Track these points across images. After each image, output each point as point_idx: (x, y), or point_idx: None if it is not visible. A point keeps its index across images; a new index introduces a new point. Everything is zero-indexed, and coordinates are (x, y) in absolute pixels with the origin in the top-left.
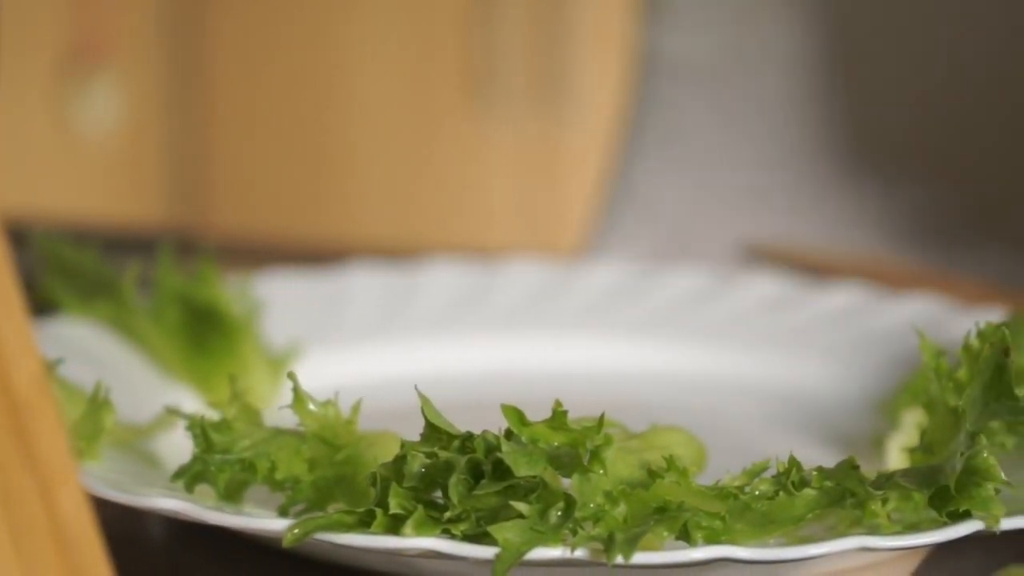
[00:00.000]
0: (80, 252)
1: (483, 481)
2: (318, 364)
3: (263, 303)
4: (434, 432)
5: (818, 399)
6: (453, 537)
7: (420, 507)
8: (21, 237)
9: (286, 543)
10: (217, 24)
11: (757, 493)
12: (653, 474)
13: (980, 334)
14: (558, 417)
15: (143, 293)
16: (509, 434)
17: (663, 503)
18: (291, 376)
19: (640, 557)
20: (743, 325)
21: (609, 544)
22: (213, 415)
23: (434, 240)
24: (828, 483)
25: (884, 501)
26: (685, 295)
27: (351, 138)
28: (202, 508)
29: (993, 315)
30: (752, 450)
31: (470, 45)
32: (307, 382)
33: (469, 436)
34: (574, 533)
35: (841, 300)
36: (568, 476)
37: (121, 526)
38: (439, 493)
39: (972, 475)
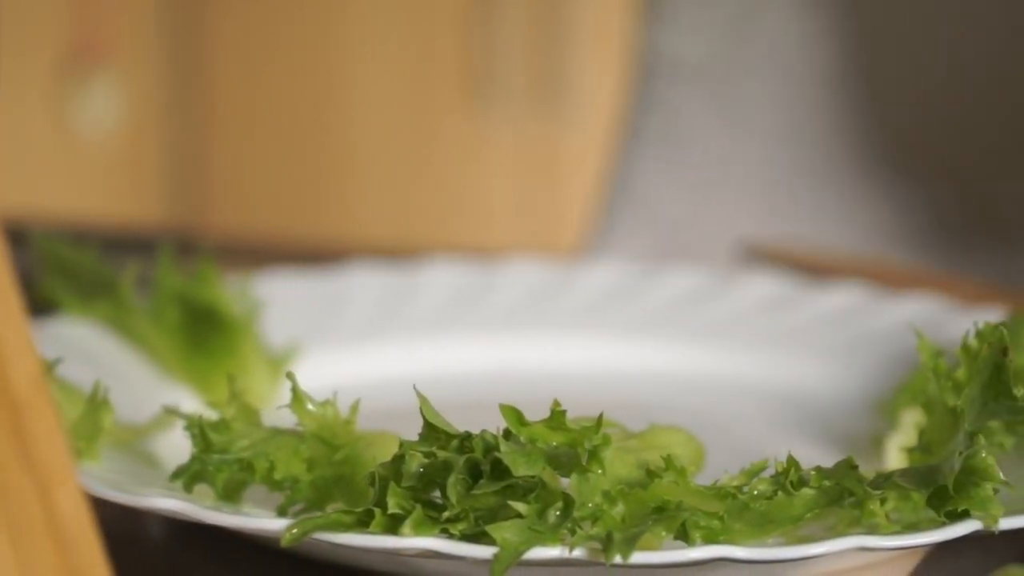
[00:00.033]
0: (79, 252)
1: (481, 481)
2: (317, 364)
3: (262, 303)
4: (432, 432)
5: (817, 399)
6: (451, 537)
7: (418, 507)
8: (20, 237)
9: (284, 543)
10: (217, 24)
11: (755, 493)
12: (651, 474)
13: (979, 334)
14: (556, 417)
15: (142, 293)
16: (507, 434)
17: (661, 503)
18: (290, 376)
19: (638, 557)
20: (742, 325)
21: (607, 544)
22: (211, 415)
23: (434, 240)
24: (827, 483)
25: (883, 501)
26: (684, 295)
27: (351, 138)
28: (201, 508)
29: (992, 315)
30: (751, 450)
31: (470, 45)
32: (306, 382)
33: (467, 436)
34: (572, 533)
35: (840, 300)
36: (566, 476)
37: (120, 526)
38: (437, 493)
39: (970, 475)
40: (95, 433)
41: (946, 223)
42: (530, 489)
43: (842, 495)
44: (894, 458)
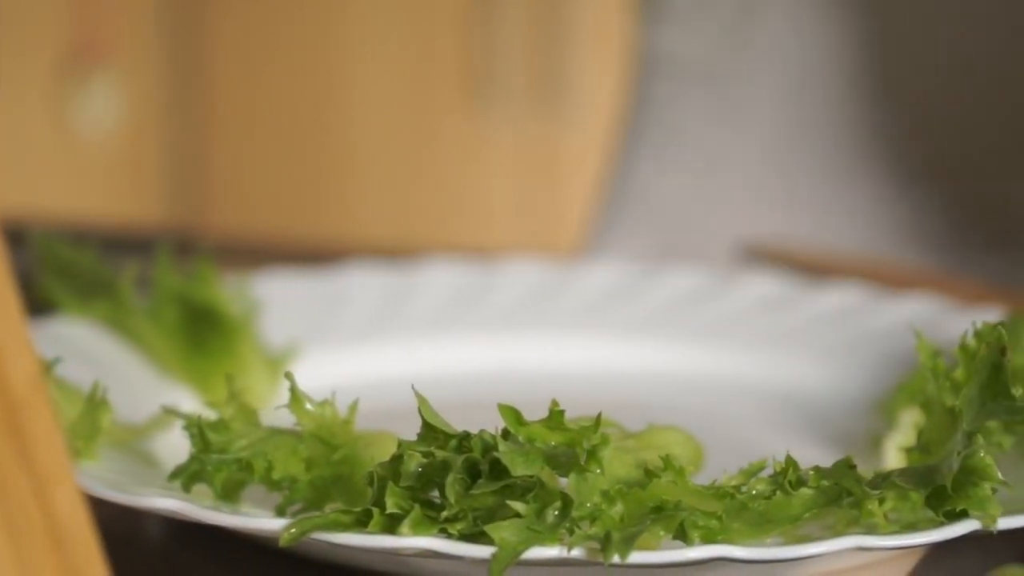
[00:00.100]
0: (78, 252)
1: (480, 481)
2: (316, 364)
3: (261, 303)
4: (431, 432)
5: (816, 399)
6: (450, 536)
7: (417, 506)
8: (19, 237)
9: (283, 543)
10: (217, 24)
11: (754, 492)
12: (650, 473)
13: (977, 334)
14: (555, 417)
15: (141, 293)
16: (506, 434)
17: (660, 502)
18: (288, 376)
19: (636, 556)
20: (741, 325)
21: (606, 543)
22: (210, 415)
23: (434, 240)
24: (825, 482)
25: (881, 501)
26: (683, 295)
27: (351, 138)
28: (199, 508)
29: (991, 315)
30: (750, 449)
31: (470, 45)
32: (305, 382)
33: (466, 436)
34: (571, 532)
35: (839, 300)
36: (565, 476)
37: (118, 525)
38: (436, 493)
39: (969, 475)
40: (94, 433)
41: (946, 223)
42: (528, 489)
43: (840, 495)
44: (893, 458)
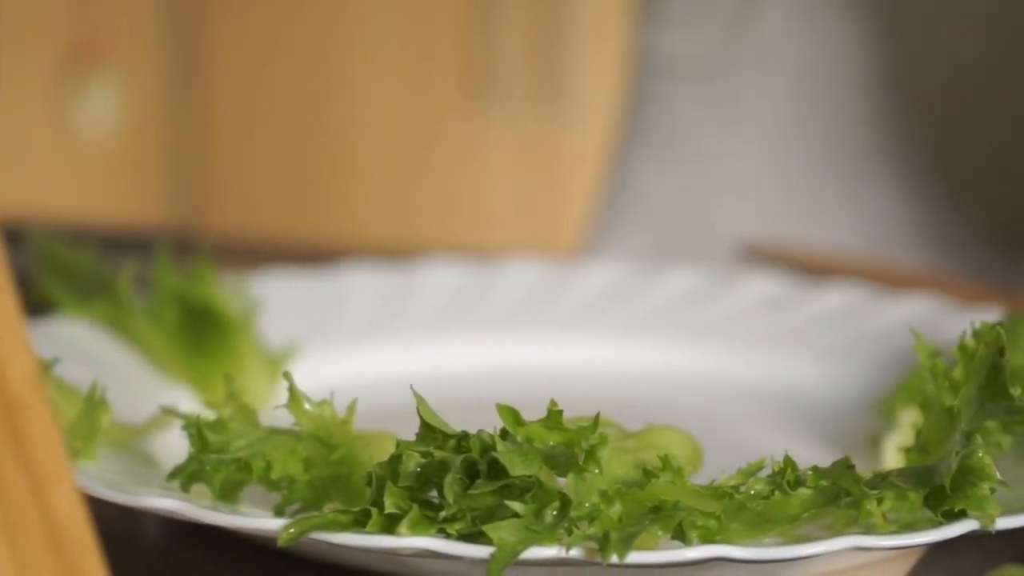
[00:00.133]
0: (77, 252)
1: (478, 481)
2: (315, 364)
3: (260, 303)
4: (430, 432)
5: (815, 399)
6: (448, 536)
7: (415, 506)
8: (18, 236)
9: (281, 543)
10: (217, 24)
11: (752, 492)
12: (648, 473)
13: (976, 334)
14: (553, 417)
15: (140, 293)
16: (504, 434)
17: (658, 502)
18: (287, 376)
19: (635, 556)
20: (741, 325)
21: (604, 543)
22: (209, 415)
23: (434, 240)
24: (823, 482)
25: (879, 501)
26: (683, 295)
27: (351, 138)
28: (198, 508)
29: (990, 315)
30: (749, 449)
31: (470, 45)
32: (304, 382)
33: (465, 436)
34: (569, 532)
35: (838, 300)
36: (563, 475)
37: (117, 525)
38: (435, 493)
39: (967, 474)
40: (93, 433)
41: (947, 223)
42: (527, 489)
43: (839, 495)
44: (891, 458)
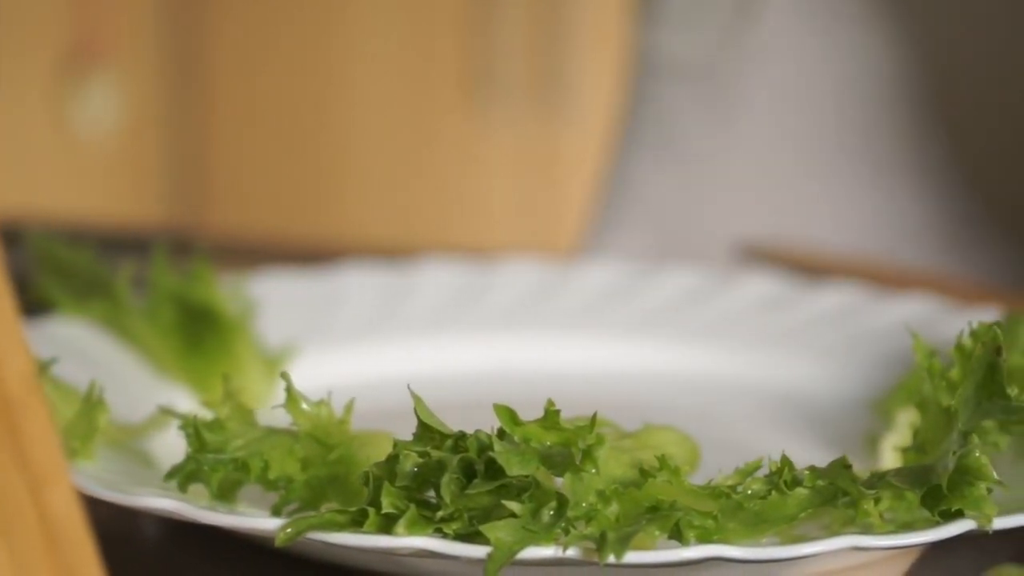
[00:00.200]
0: (75, 251)
1: (476, 480)
2: (314, 364)
3: (258, 303)
4: (427, 431)
5: (814, 398)
6: (445, 536)
7: (412, 506)
8: (16, 236)
9: (279, 542)
10: (216, 24)
11: (750, 492)
12: (645, 473)
13: (973, 334)
14: (550, 416)
15: (138, 293)
16: (502, 433)
17: (655, 502)
18: (284, 376)
19: (632, 556)
20: (739, 325)
21: (601, 543)
22: (206, 415)
23: (433, 240)
24: (820, 482)
25: (877, 500)
26: (681, 295)
27: (350, 138)
28: (195, 507)
29: (988, 315)
30: (747, 449)
31: (470, 45)
32: (302, 382)
33: (462, 435)
34: (566, 532)
35: (836, 300)
36: (560, 475)
37: (115, 525)
38: (432, 492)
39: (964, 474)
40: (90, 432)
41: (943, 223)
42: (524, 489)
43: (836, 495)
44: (889, 457)
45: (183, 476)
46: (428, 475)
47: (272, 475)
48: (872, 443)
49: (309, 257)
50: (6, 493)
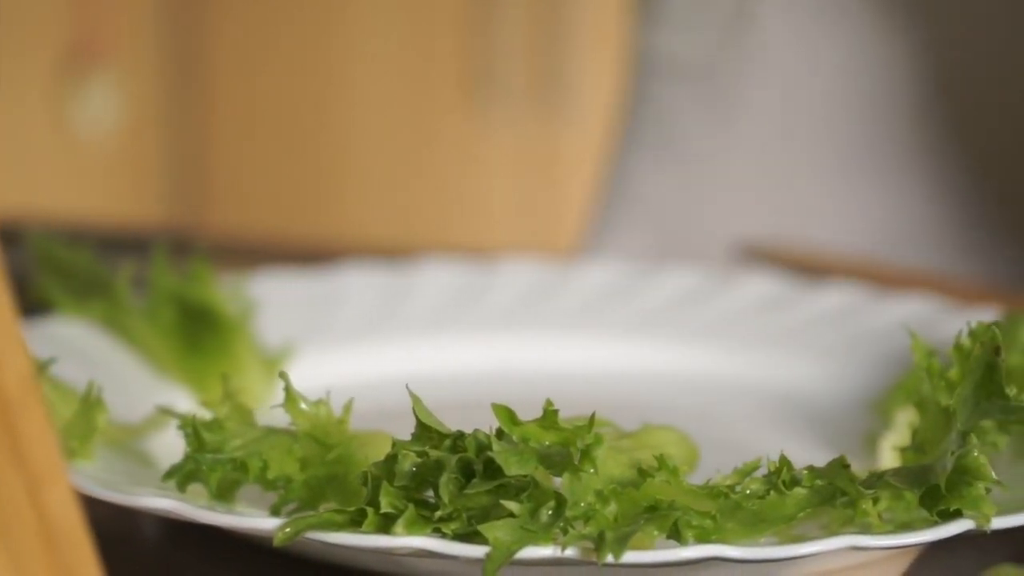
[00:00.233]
0: (74, 251)
1: (474, 480)
2: (313, 364)
3: (258, 303)
4: (425, 431)
5: (813, 398)
6: (444, 536)
7: (411, 506)
8: (16, 236)
9: (277, 542)
10: (216, 24)
11: (748, 492)
12: (644, 473)
13: (971, 333)
14: (549, 416)
15: (137, 293)
16: (500, 433)
17: (654, 502)
18: (283, 375)
19: (630, 556)
20: (738, 325)
21: (599, 543)
22: (205, 414)
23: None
24: (819, 482)
25: (875, 500)
26: (681, 295)
27: (350, 138)
28: (194, 507)
29: (987, 315)
30: (746, 449)
31: (470, 45)
32: (302, 382)
33: (460, 435)
34: (565, 532)
35: (836, 300)
36: (559, 475)
37: (113, 525)
38: (430, 492)
39: (963, 474)
40: (89, 432)
41: (945, 223)
42: (522, 488)
43: (835, 494)
44: (888, 457)
45: (182, 476)
46: (426, 475)
47: (271, 475)
48: (871, 443)
49: (309, 257)
50: (4, 493)
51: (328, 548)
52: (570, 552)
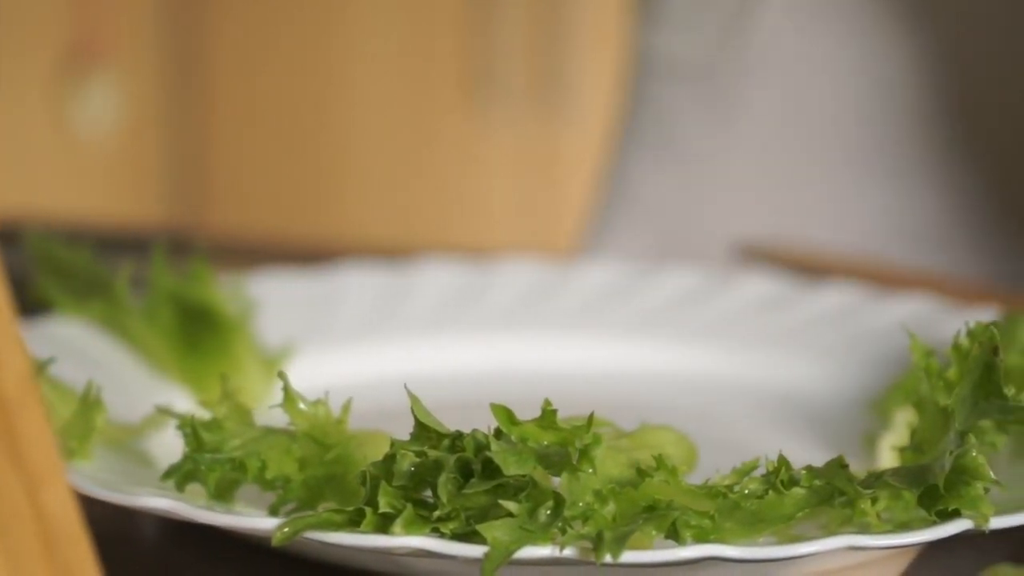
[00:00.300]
0: (73, 251)
1: (472, 480)
2: (312, 364)
3: (257, 303)
4: (423, 431)
5: (812, 398)
6: (442, 536)
7: (409, 506)
8: (14, 236)
9: (276, 542)
10: (216, 24)
11: (746, 492)
12: (642, 473)
13: (970, 333)
14: (547, 416)
15: (136, 293)
16: (499, 433)
17: (652, 502)
18: (282, 375)
19: (629, 556)
20: (738, 325)
21: (598, 543)
22: (204, 414)
23: (433, 240)
24: (817, 482)
25: (874, 500)
26: (680, 295)
27: (350, 138)
28: (193, 507)
29: (986, 315)
30: (746, 449)
31: (470, 45)
32: (301, 382)
33: (459, 435)
34: (563, 532)
35: (835, 300)
36: (557, 475)
37: (112, 525)
38: (429, 492)
39: (961, 474)
40: (88, 432)
41: (944, 223)
42: (521, 488)
43: (833, 494)
44: (886, 457)
45: (180, 476)
46: (425, 475)
47: (269, 475)
48: (870, 443)
49: (308, 257)
50: (3, 493)
51: (326, 548)
52: (568, 552)
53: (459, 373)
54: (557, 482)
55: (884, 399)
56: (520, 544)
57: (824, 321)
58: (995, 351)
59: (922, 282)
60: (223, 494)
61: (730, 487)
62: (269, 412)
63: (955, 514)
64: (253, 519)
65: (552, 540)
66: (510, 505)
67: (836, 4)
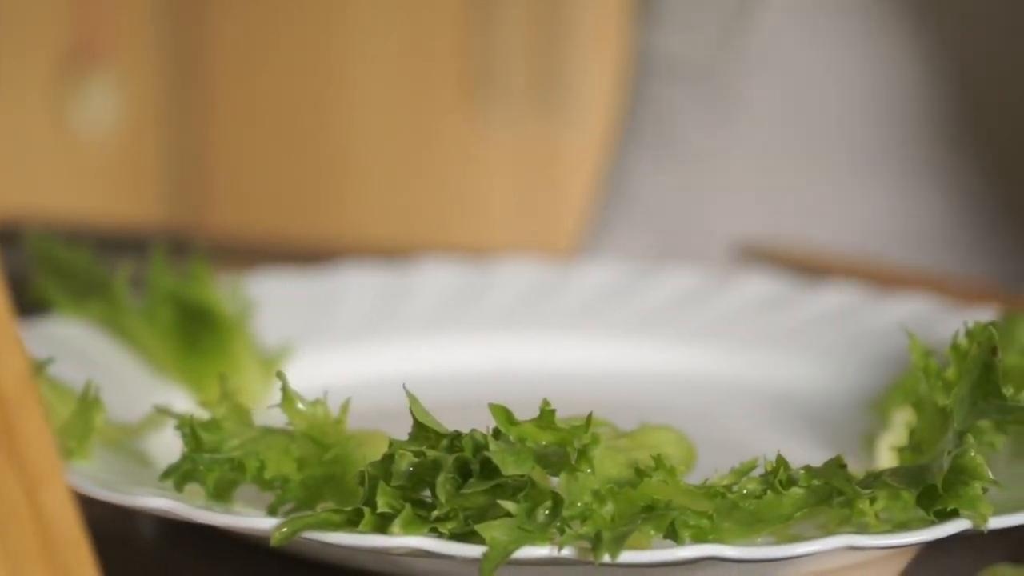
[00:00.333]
0: (73, 251)
1: (471, 480)
2: (311, 364)
3: (256, 303)
4: (422, 431)
5: (812, 398)
6: (441, 536)
7: (408, 506)
8: (14, 236)
9: (274, 542)
10: (216, 24)
11: (745, 492)
12: (641, 473)
13: (968, 333)
14: (546, 416)
15: (135, 293)
16: (497, 433)
17: (651, 502)
18: (280, 375)
19: (627, 556)
20: (738, 325)
21: (596, 543)
22: (203, 414)
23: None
24: (816, 482)
25: (872, 500)
26: (680, 295)
27: (350, 138)
28: (191, 507)
29: (985, 315)
30: (744, 449)
31: (470, 45)
32: (300, 382)
33: (457, 435)
34: (561, 532)
35: (835, 300)
36: (556, 475)
37: (111, 525)
38: (427, 492)
39: (960, 474)
40: (86, 432)
41: (944, 223)
42: (519, 488)
43: (831, 494)
44: (885, 457)
45: (179, 476)
46: (424, 475)
47: (268, 475)
48: (869, 443)
49: (308, 257)
50: (1, 493)
51: (325, 548)
52: (567, 552)
53: (459, 373)
54: (556, 482)
55: (883, 399)
56: (518, 544)
57: (824, 321)
58: (994, 351)
59: (922, 282)
60: (222, 494)
61: (729, 487)
62: (268, 412)
63: (954, 514)
64: (252, 519)
65: (550, 540)
66: (508, 505)
67: (836, 4)
